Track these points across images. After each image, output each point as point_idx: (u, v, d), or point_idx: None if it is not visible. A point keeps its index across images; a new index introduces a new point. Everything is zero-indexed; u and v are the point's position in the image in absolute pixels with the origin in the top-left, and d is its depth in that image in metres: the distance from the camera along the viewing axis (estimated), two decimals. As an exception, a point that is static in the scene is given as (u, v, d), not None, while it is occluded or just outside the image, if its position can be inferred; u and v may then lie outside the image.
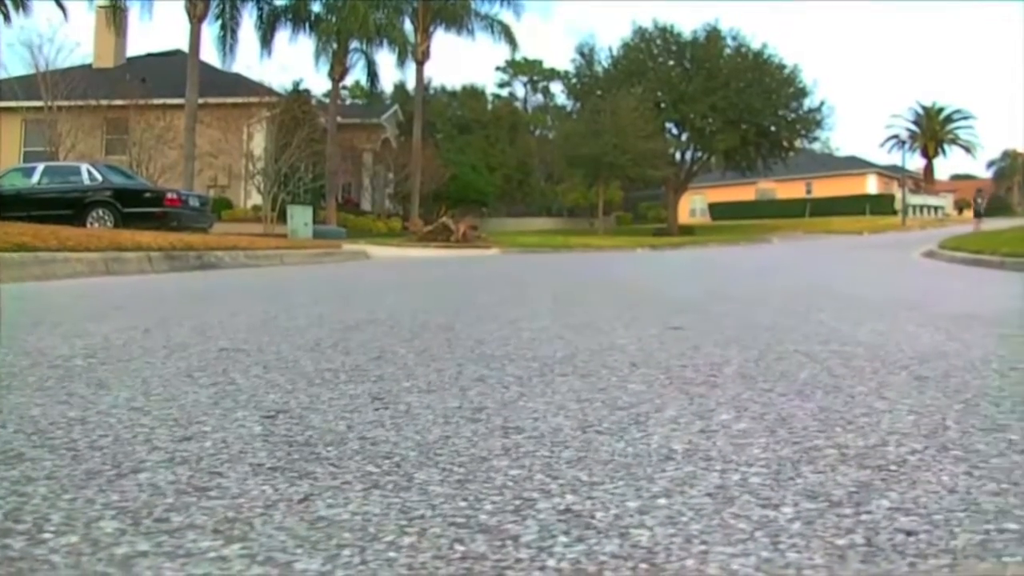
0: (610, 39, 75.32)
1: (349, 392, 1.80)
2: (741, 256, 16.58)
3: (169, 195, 14.78)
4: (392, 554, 0.85)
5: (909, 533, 0.92)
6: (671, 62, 39.22)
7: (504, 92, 56.84)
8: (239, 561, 0.83)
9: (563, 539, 0.89)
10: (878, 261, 13.06)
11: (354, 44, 26.02)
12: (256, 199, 23.98)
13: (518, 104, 56.24)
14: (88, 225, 13.20)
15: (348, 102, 37.58)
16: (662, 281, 7.83)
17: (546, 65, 56.16)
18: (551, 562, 0.83)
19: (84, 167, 15.06)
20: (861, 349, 2.59)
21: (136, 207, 14.03)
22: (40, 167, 15.34)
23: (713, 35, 38.62)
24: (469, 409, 1.61)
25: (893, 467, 1.20)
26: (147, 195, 14.87)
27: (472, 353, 2.45)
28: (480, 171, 39.15)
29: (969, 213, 30.86)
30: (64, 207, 13.63)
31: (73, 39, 43.73)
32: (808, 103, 39.04)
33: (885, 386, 1.91)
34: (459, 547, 0.87)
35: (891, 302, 4.84)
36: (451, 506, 1.01)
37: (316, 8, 25.86)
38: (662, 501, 1.03)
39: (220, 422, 1.49)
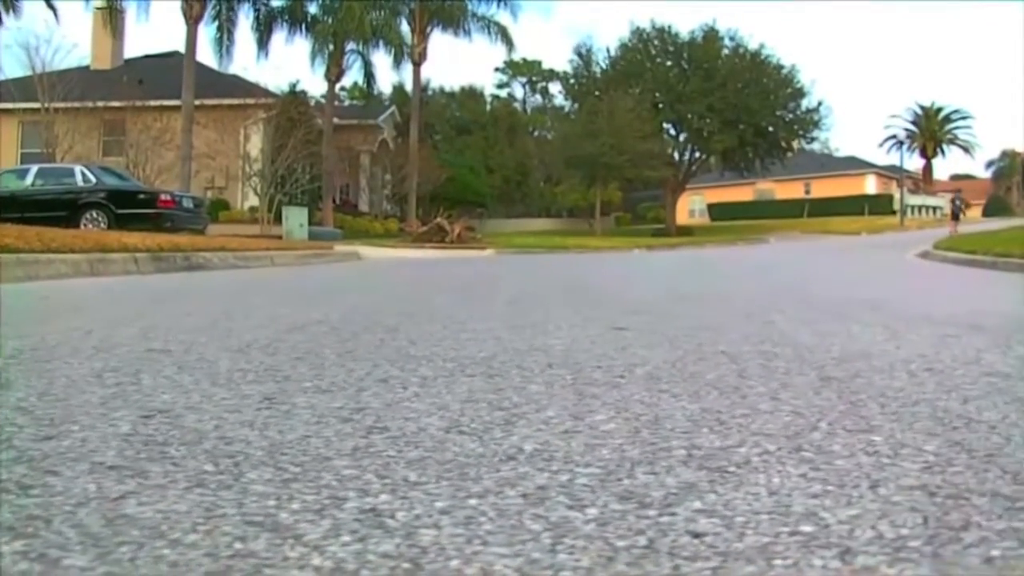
0: (608, 39, 75.24)
1: (244, 392, 1.81)
2: (734, 256, 16.56)
3: (163, 196, 14.84)
4: (166, 551, 0.86)
5: (697, 535, 0.92)
6: (669, 62, 39.22)
7: (503, 93, 56.96)
8: (10, 558, 0.84)
9: (345, 539, 0.90)
10: (870, 262, 13.03)
11: (350, 45, 26.11)
12: (253, 200, 24.04)
13: (517, 105, 56.29)
14: (82, 226, 13.25)
15: (347, 103, 37.65)
16: (643, 282, 7.83)
17: (545, 66, 56.25)
18: (316, 560, 0.84)
19: (78, 169, 15.14)
20: (790, 350, 2.59)
21: (130, 208, 14.11)
22: (34, 169, 15.44)
23: (711, 35, 38.64)
24: (349, 409, 1.61)
25: (732, 468, 1.21)
26: (141, 196, 14.95)
27: (396, 354, 2.45)
28: (478, 172, 39.18)
29: (967, 213, 30.94)
30: (58, 209, 13.70)
31: (70, 40, 43.96)
32: (806, 103, 39.10)
33: (786, 387, 1.92)
34: (237, 545, 0.88)
35: (858, 303, 4.83)
36: (259, 505, 1.01)
37: (312, 9, 25.99)
38: (473, 502, 1.03)
39: (94, 422, 1.50)
